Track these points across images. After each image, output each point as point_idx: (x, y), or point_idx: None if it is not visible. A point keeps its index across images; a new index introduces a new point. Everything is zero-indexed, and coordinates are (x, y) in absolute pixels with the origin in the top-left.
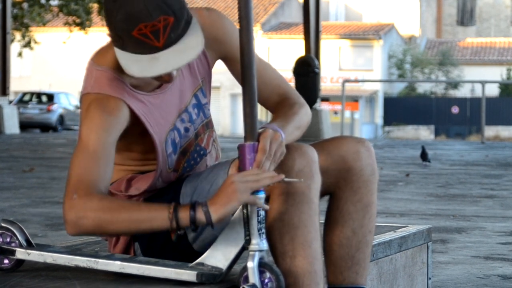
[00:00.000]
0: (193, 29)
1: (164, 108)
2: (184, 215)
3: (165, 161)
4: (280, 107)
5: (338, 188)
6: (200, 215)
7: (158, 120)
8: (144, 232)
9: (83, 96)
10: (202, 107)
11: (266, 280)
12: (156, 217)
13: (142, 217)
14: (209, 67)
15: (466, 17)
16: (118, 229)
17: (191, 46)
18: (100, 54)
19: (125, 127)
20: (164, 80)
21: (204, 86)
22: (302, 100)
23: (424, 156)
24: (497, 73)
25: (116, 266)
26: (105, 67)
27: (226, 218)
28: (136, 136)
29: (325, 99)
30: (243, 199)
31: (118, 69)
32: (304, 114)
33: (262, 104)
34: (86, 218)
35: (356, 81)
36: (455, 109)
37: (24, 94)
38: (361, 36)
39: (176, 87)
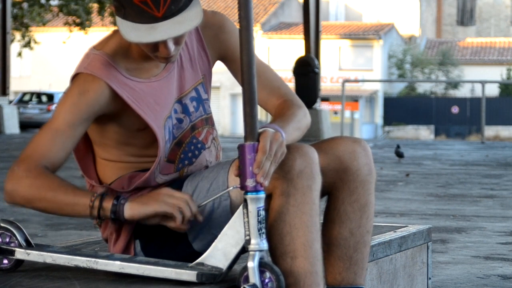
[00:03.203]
0: (195, 5)
1: (159, 95)
2: (107, 205)
3: (164, 146)
4: (279, 108)
5: (335, 189)
6: (119, 208)
7: (153, 106)
8: (68, 215)
9: (74, 76)
10: (202, 102)
11: (267, 280)
12: (78, 202)
13: (66, 201)
14: (210, 65)
15: (466, 17)
16: (44, 208)
17: (189, 19)
18: (101, 41)
19: (107, 111)
20: (161, 57)
21: (205, 82)
22: (301, 102)
23: (398, 153)
24: (497, 73)
25: (115, 266)
26: (102, 52)
27: (139, 218)
28: (134, 128)
29: (325, 99)
30: (160, 208)
31: (115, 55)
32: (303, 116)
33: (261, 106)
34: (17, 192)
35: (356, 81)
36: (455, 109)
37: (24, 94)
38: (361, 36)
39: (174, 76)
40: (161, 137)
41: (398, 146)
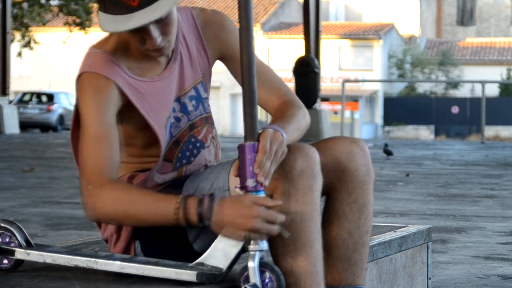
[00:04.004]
0: None
1: (161, 95)
2: (192, 218)
3: (165, 145)
4: (279, 109)
5: (333, 189)
6: (206, 221)
7: (155, 106)
8: (154, 225)
9: (79, 76)
10: (201, 100)
11: (267, 280)
12: (162, 213)
13: (150, 214)
14: (209, 65)
15: (466, 17)
16: (127, 219)
17: (164, 4)
18: (100, 41)
19: (118, 108)
20: (152, 50)
21: (205, 81)
22: (301, 103)
23: (387, 152)
24: (497, 73)
25: (115, 266)
26: (103, 50)
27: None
28: (134, 128)
29: (325, 99)
30: (245, 237)
31: (115, 53)
32: (303, 117)
33: (261, 106)
34: (102, 209)
35: (356, 81)
36: (455, 109)
37: (24, 94)
38: (361, 36)
39: (175, 75)
40: (162, 137)
41: (386, 145)
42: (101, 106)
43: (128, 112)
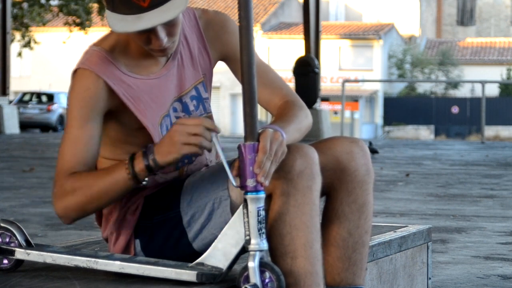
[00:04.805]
0: None
1: (156, 93)
2: (140, 167)
3: None
4: (281, 109)
5: (333, 189)
6: (151, 162)
7: (149, 104)
8: (121, 196)
9: (73, 72)
10: (202, 101)
11: (267, 280)
12: (118, 180)
13: (108, 187)
14: (211, 65)
15: (466, 17)
16: (97, 206)
17: (174, 6)
18: (100, 39)
19: (108, 107)
20: (156, 50)
21: (206, 81)
22: (303, 103)
23: (372, 150)
24: (497, 73)
25: (115, 266)
26: (100, 48)
27: (171, 164)
28: (131, 127)
29: (325, 99)
30: (183, 152)
31: (113, 51)
32: (304, 117)
33: (263, 106)
34: (68, 208)
35: (356, 81)
36: (455, 109)
37: (24, 94)
38: (361, 36)
39: (173, 74)
40: (157, 136)
41: (370, 143)
42: (87, 108)
43: (124, 111)
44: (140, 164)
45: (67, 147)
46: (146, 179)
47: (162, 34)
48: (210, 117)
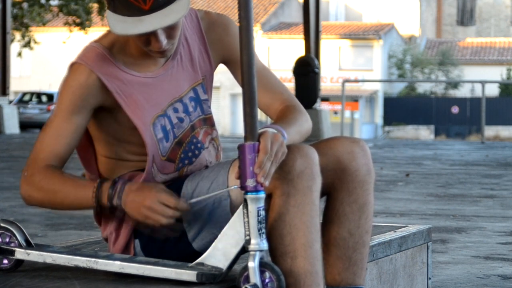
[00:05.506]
0: None
1: (150, 92)
2: (104, 201)
3: (155, 144)
4: (281, 112)
5: (333, 189)
6: (115, 202)
7: (141, 103)
8: (80, 209)
9: (70, 65)
10: (200, 102)
11: (267, 280)
12: (82, 198)
13: (72, 200)
14: (211, 67)
15: (466, 17)
16: (57, 208)
17: (176, 11)
18: (101, 35)
19: (99, 103)
20: (155, 51)
21: (205, 83)
22: (303, 108)
23: None
24: (497, 73)
25: (115, 266)
26: (99, 44)
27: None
28: (127, 126)
29: (325, 99)
30: (142, 219)
31: (112, 48)
32: (305, 121)
33: (263, 110)
34: (32, 197)
35: (356, 81)
36: (455, 109)
37: (24, 94)
38: (361, 36)
39: (172, 74)
40: (148, 136)
41: None
42: (74, 101)
43: (117, 109)
44: (104, 198)
45: (48, 136)
46: (108, 206)
47: (162, 36)
48: (208, 118)
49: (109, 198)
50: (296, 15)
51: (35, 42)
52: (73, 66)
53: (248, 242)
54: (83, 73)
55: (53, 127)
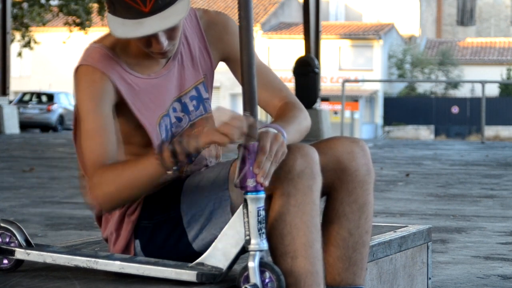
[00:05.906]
0: (182, 0)
1: (155, 93)
2: (166, 153)
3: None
4: (281, 110)
5: (333, 189)
6: (177, 146)
7: (147, 104)
8: (155, 185)
9: (76, 69)
10: (202, 101)
11: (267, 280)
12: (148, 167)
13: (140, 174)
14: (212, 66)
15: (466, 17)
16: (132, 194)
17: (176, 13)
18: (101, 36)
19: (114, 102)
20: (156, 53)
21: (206, 82)
22: (302, 105)
23: None
24: (497, 73)
25: (115, 266)
26: (102, 45)
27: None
28: (131, 126)
29: (325, 99)
30: (214, 138)
31: (114, 48)
32: (304, 119)
33: (262, 107)
34: (105, 194)
35: (356, 81)
36: (455, 109)
37: (24, 94)
38: (361, 36)
39: (173, 74)
40: (155, 136)
41: None
42: (96, 99)
43: (123, 109)
44: (166, 151)
45: (89, 141)
46: (174, 167)
47: (162, 38)
48: (210, 117)
49: (173, 152)
50: (296, 15)
51: (35, 42)
52: (80, 69)
53: (248, 242)
54: (94, 73)
55: (90, 131)
